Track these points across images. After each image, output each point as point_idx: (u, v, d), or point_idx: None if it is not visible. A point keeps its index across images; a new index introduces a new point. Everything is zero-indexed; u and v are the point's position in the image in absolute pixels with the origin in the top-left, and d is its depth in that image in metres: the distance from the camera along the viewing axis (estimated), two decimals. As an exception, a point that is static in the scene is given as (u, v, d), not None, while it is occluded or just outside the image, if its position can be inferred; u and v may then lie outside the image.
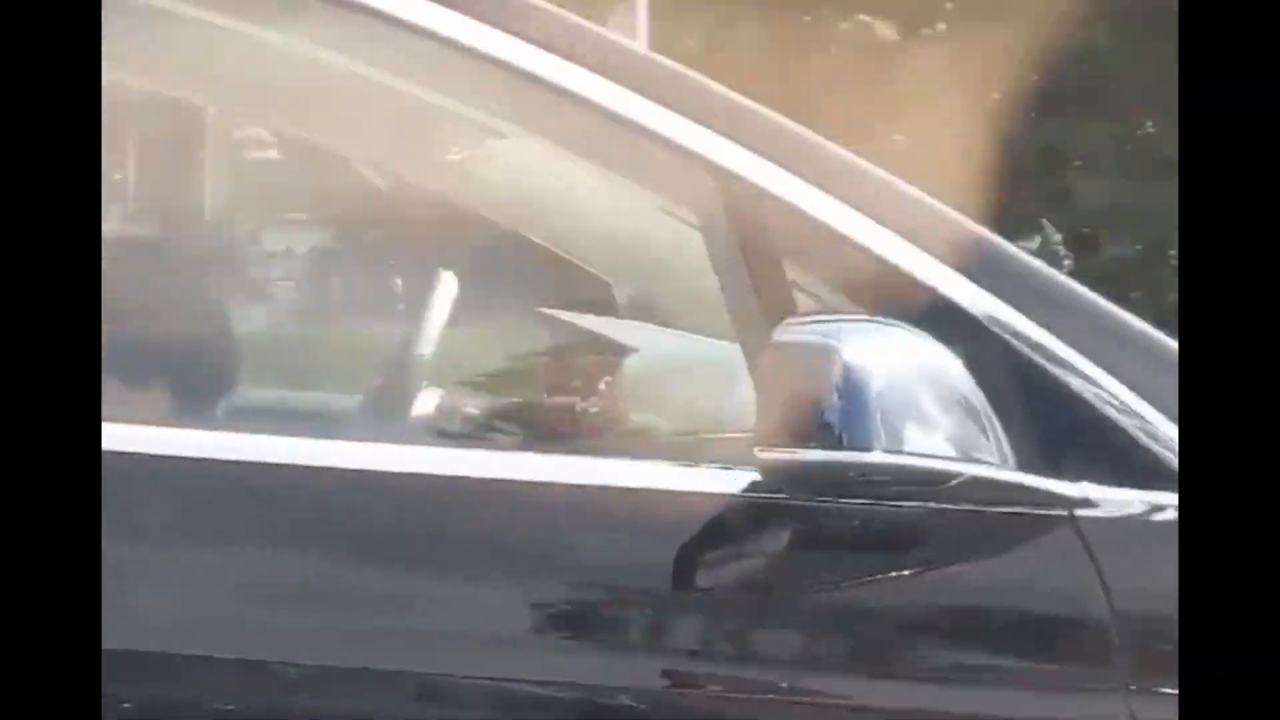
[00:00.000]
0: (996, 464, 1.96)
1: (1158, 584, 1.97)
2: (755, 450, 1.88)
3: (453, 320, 2.53)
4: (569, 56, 2.02)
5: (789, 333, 1.89)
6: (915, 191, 2.10)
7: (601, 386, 2.48)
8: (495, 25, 2.03)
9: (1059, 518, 2.02)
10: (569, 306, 2.61)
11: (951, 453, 1.92)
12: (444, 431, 2.41)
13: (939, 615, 2.01)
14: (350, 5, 2.07)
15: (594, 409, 2.47)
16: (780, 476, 1.90)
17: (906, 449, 1.89)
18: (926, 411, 1.90)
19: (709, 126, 1.99)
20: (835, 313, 1.99)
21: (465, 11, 2.03)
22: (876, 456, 1.87)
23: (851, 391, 1.84)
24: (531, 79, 2.02)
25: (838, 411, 1.85)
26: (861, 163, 2.08)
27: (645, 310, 2.65)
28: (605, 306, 2.64)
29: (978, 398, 1.94)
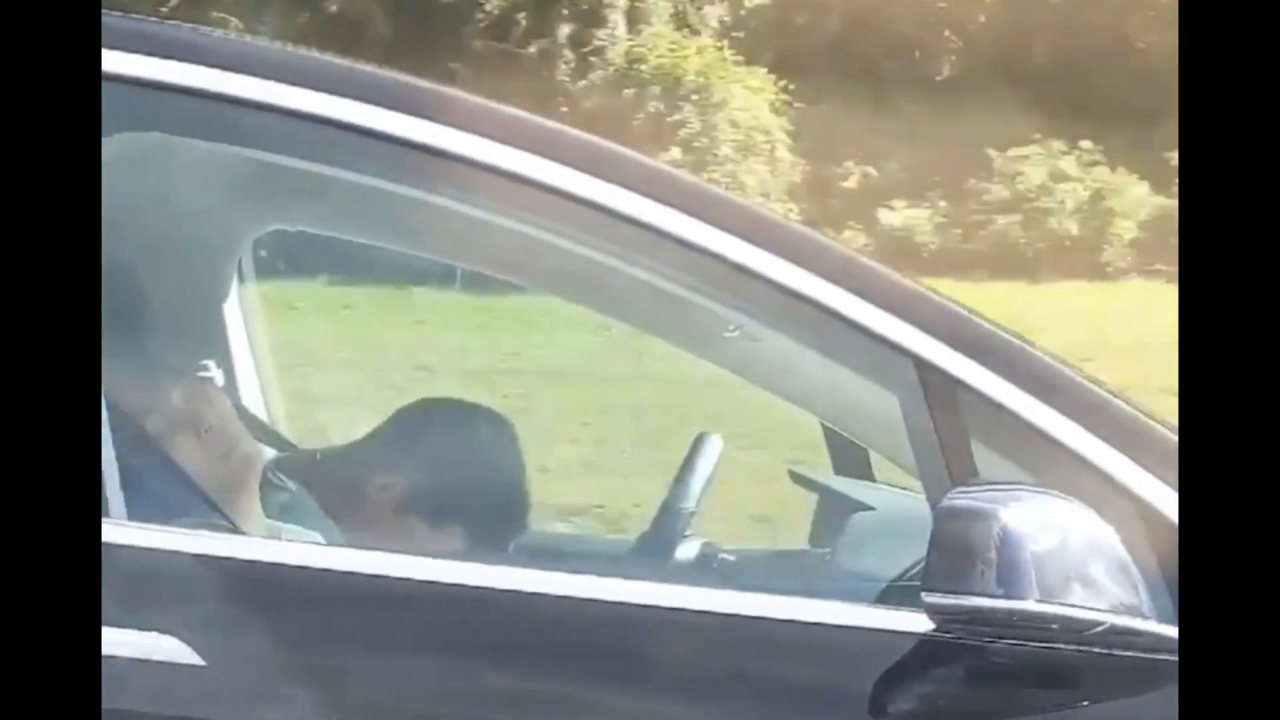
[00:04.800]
0: (1143, 615, 2.14)
1: None
2: (923, 595, 2.14)
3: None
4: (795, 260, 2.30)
5: (957, 497, 2.16)
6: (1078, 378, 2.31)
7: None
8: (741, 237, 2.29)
9: None
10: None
11: (1100, 604, 2.13)
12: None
13: None
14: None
15: (827, 559, 2.92)
16: (945, 617, 2.15)
17: (1057, 599, 2.12)
18: (1077, 568, 2.13)
19: (908, 320, 2.29)
20: (1005, 482, 2.24)
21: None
22: (1029, 604, 2.11)
23: (1008, 548, 2.11)
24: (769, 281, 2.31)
25: (995, 565, 2.11)
26: (1042, 356, 2.33)
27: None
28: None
29: (1125, 559, 2.15)
